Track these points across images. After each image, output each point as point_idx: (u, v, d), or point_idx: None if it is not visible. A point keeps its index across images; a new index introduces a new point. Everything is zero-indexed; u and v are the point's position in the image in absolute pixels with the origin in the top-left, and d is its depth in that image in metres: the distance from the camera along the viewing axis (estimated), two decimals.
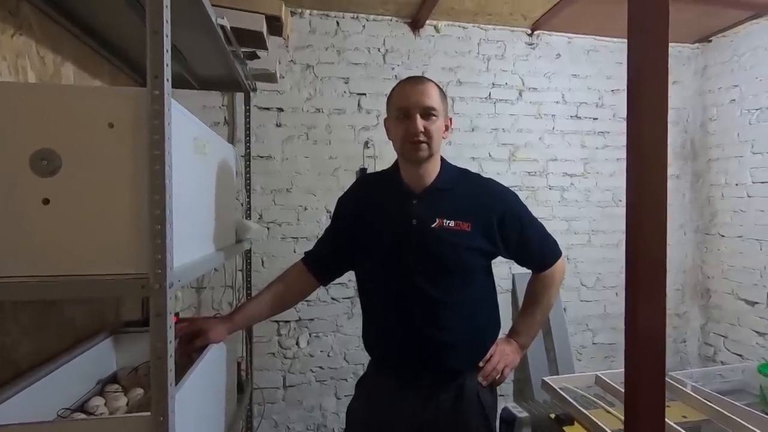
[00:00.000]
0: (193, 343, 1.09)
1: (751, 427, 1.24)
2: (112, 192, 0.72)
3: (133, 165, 0.72)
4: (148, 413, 0.70)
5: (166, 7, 0.71)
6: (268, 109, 2.21)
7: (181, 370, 0.85)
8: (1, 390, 0.84)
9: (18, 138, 0.70)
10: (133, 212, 0.72)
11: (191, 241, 0.93)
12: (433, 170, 1.18)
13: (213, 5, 1.11)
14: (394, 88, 1.18)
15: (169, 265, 0.71)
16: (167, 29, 0.71)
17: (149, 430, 0.70)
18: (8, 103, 0.70)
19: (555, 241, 1.27)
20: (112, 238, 0.72)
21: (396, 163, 1.23)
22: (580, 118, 2.60)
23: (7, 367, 0.90)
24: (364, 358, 2.26)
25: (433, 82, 1.16)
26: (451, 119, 1.20)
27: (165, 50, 0.70)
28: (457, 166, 1.25)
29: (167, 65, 0.70)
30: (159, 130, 0.70)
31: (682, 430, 1.23)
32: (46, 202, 0.71)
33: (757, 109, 2.38)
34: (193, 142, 0.95)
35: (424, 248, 1.13)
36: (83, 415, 0.97)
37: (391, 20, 2.34)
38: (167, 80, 0.71)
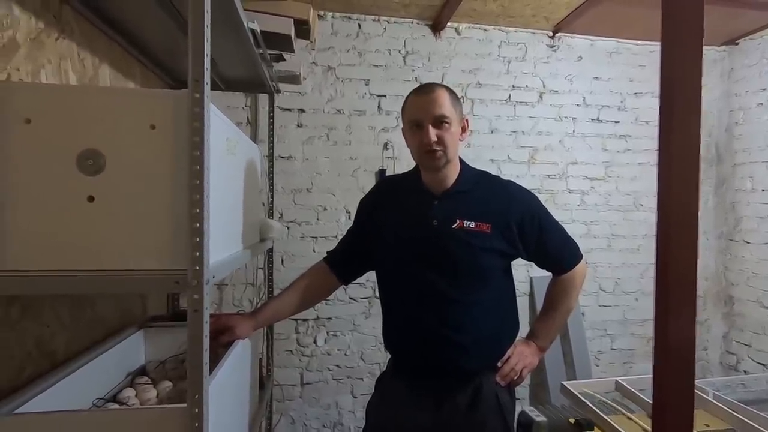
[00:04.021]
0: (219, 338, 1.12)
1: None
2: (153, 191, 0.75)
3: (173, 165, 0.74)
4: (184, 405, 0.73)
5: (207, 12, 0.73)
6: (289, 110, 2.24)
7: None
8: (42, 380, 0.88)
9: (66, 138, 0.73)
10: (172, 210, 0.74)
11: (223, 239, 0.95)
12: (452, 174, 1.19)
13: (244, 9, 1.14)
14: (406, 99, 1.19)
15: (206, 262, 0.73)
16: (208, 34, 0.73)
17: (185, 421, 0.72)
18: (57, 105, 0.73)
19: (576, 244, 1.27)
20: (152, 235, 0.75)
21: (417, 165, 1.24)
22: (601, 121, 2.57)
23: (46, 357, 0.94)
24: (381, 357, 2.30)
25: (443, 87, 1.15)
26: (467, 120, 1.20)
27: (205, 55, 0.73)
28: (477, 168, 1.26)
29: (207, 69, 0.73)
30: (199, 132, 0.72)
31: None
32: (90, 199, 0.73)
33: None
34: (226, 142, 0.97)
35: (444, 249, 1.14)
36: (116, 405, 1.00)
37: (412, 23, 2.35)
38: (207, 84, 0.73)
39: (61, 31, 0.99)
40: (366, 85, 2.32)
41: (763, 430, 1.28)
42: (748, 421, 1.33)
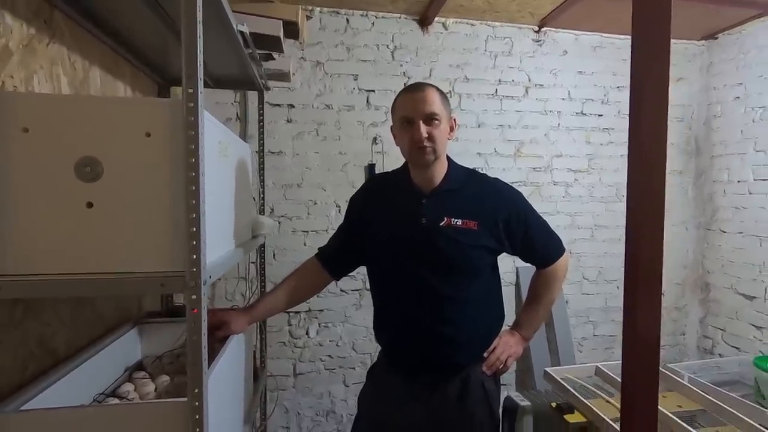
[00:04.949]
0: (215, 334, 1.16)
1: (742, 416, 1.31)
2: (150, 196, 0.78)
3: (169, 171, 0.77)
4: (185, 399, 0.77)
5: (200, 22, 0.76)
6: (278, 105, 2.26)
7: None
8: (45, 377, 0.91)
9: (64, 147, 0.75)
10: (169, 215, 0.78)
11: (217, 239, 0.99)
12: (440, 171, 1.23)
13: (233, 11, 1.16)
14: (396, 98, 1.22)
15: (203, 263, 0.77)
16: (200, 45, 0.76)
17: (186, 414, 0.76)
18: (54, 114, 0.75)
19: (558, 238, 1.33)
20: (150, 238, 0.78)
21: (405, 164, 1.28)
22: (585, 114, 2.63)
23: (48, 355, 0.97)
24: (371, 347, 2.36)
25: (433, 86, 1.19)
26: (455, 119, 1.24)
27: (198, 65, 0.75)
28: (464, 166, 1.30)
29: (200, 79, 0.75)
30: (194, 139, 0.75)
31: (676, 418, 1.30)
32: (89, 205, 0.76)
33: (760, 107, 2.41)
34: (218, 146, 1.00)
35: (432, 246, 1.18)
36: (116, 400, 1.04)
37: (399, 18, 2.37)
38: (200, 92, 0.76)
39: (52, 36, 1.00)
40: (355, 80, 2.34)
41: (731, 409, 1.36)
42: (718, 402, 1.42)
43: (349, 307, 2.37)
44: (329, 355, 2.37)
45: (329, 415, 2.38)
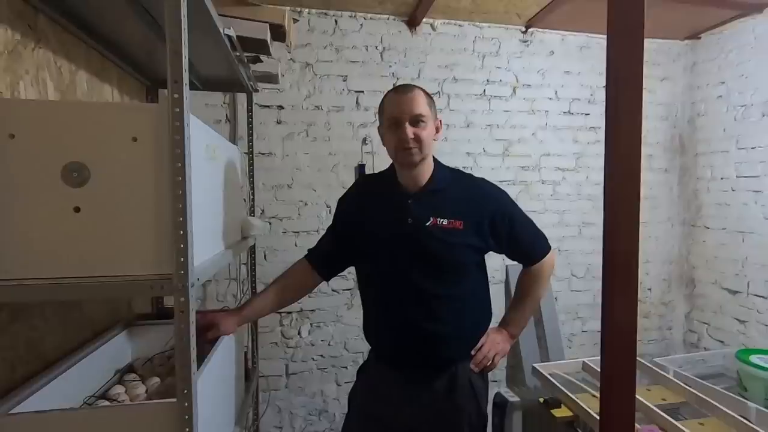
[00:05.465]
0: (205, 335, 1.17)
1: (724, 408, 1.34)
2: (137, 200, 0.79)
3: (155, 176, 0.79)
4: (174, 399, 0.78)
5: (185, 29, 0.77)
6: (268, 106, 2.26)
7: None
8: (34, 381, 0.91)
9: (50, 152, 0.76)
10: (156, 218, 0.79)
11: (205, 242, 1.00)
12: (426, 172, 1.24)
13: (220, 15, 1.16)
14: (383, 98, 1.24)
15: (190, 266, 0.78)
16: (186, 51, 0.77)
17: (175, 415, 0.77)
18: (40, 120, 0.76)
19: (544, 236, 1.35)
20: (138, 242, 0.79)
21: (393, 164, 1.30)
22: (572, 113, 2.66)
23: (37, 359, 0.98)
24: (363, 346, 2.37)
25: (420, 88, 1.21)
26: (440, 121, 1.26)
27: (184, 70, 0.76)
28: (450, 166, 1.31)
29: (186, 84, 0.77)
30: (180, 144, 0.76)
31: (659, 411, 1.33)
32: (77, 210, 0.77)
33: (742, 106, 2.46)
34: (205, 149, 1.01)
35: (419, 246, 1.20)
36: (107, 403, 1.05)
37: (388, 19, 2.38)
38: (186, 98, 0.77)
39: (38, 41, 1.00)
40: (344, 81, 2.35)
41: (713, 401, 1.40)
42: (701, 395, 1.45)
43: (341, 307, 2.39)
44: (321, 355, 2.38)
45: (322, 414, 2.39)
